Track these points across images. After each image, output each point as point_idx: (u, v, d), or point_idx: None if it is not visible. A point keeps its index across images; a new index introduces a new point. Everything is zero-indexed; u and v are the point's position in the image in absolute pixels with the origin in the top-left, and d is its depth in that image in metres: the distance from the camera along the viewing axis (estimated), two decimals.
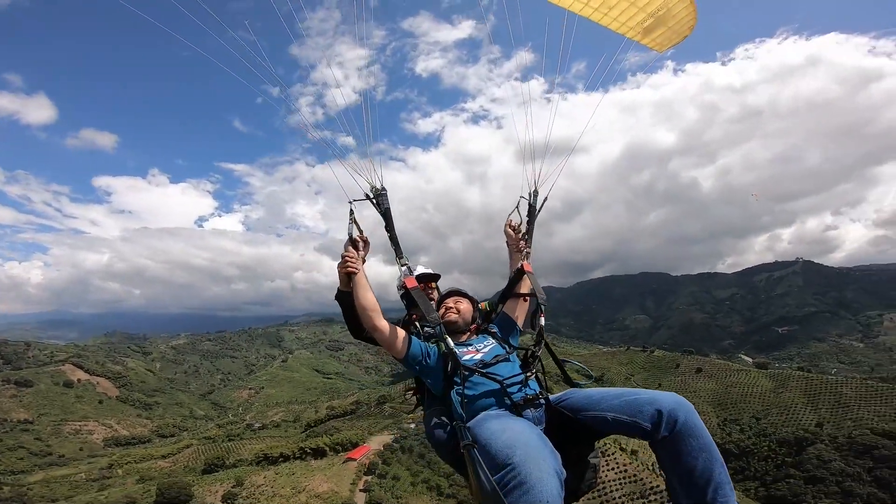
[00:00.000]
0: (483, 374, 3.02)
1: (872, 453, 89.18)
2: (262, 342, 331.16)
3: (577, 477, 2.86)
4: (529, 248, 3.97)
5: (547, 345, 3.48)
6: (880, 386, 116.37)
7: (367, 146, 3.71)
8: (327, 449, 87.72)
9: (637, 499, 69.89)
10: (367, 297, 3.22)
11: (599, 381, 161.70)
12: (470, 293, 3.87)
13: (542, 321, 3.52)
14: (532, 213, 4.11)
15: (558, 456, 2.37)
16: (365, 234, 3.51)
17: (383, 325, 3.18)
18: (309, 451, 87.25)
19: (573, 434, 2.87)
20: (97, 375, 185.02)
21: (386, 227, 3.53)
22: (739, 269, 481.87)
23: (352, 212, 3.46)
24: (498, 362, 3.15)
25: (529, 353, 3.34)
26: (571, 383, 3.29)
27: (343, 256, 3.36)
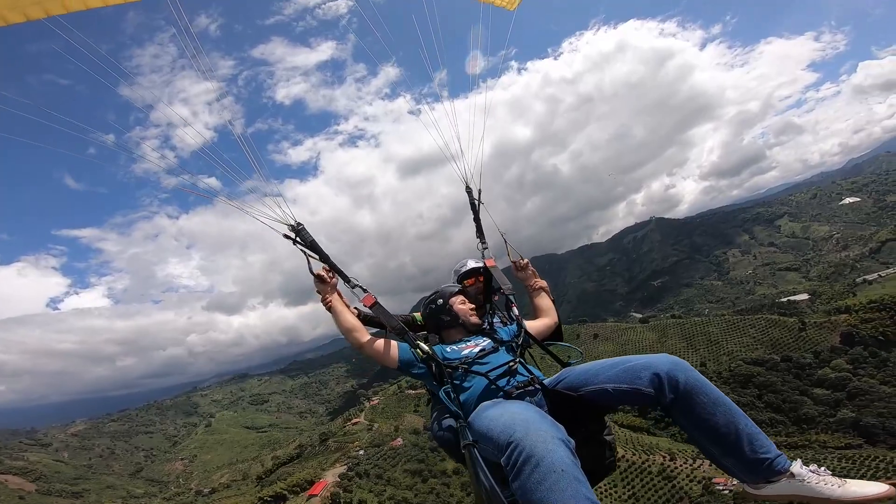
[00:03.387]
0: (468, 370, 3.06)
1: (753, 381, 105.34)
2: (175, 412, 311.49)
3: (594, 458, 2.83)
4: (485, 243, 4.25)
5: (527, 332, 3.49)
6: (735, 318, 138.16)
7: (267, 183, 3.69)
8: (286, 493, 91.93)
9: None
10: (346, 321, 3.34)
11: None
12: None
13: (516, 311, 3.68)
14: (473, 208, 4.38)
15: (561, 427, 2.27)
16: (324, 266, 3.53)
17: (366, 341, 3.27)
18: (269, 499, 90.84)
19: (578, 413, 2.84)
20: (2, 473, 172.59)
21: (321, 259, 3.58)
22: (610, 236, 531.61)
23: (302, 250, 3.53)
24: (485, 355, 3.17)
25: (513, 343, 3.35)
26: (563, 363, 3.28)
27: (320, 299, 3.49)
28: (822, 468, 2.38)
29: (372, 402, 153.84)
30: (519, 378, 3.01)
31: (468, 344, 3.37)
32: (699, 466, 79.14)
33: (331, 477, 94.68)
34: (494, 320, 4.01)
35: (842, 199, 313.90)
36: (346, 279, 3.55)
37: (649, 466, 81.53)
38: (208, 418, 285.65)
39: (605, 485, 79.19)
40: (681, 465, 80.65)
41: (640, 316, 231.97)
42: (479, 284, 4.23)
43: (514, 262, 4.19)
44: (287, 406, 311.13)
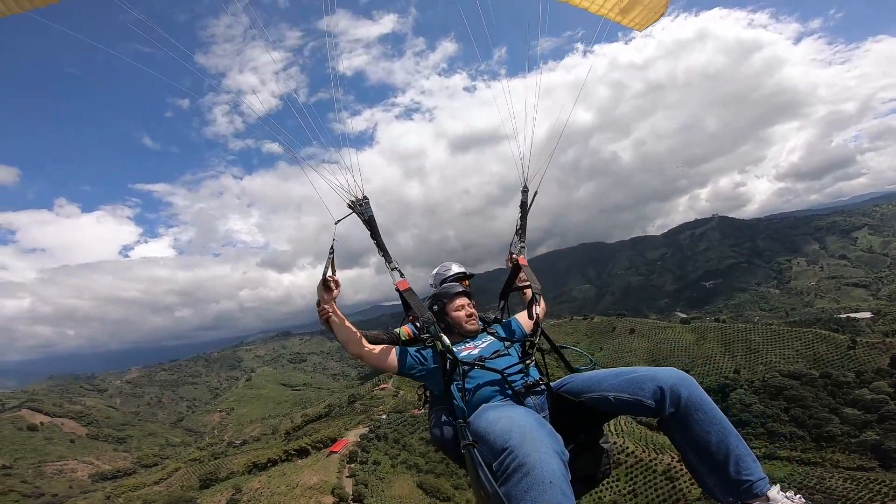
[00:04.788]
0: (482, 368, 3.08)
1: (784, 394, 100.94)
2: (221, 365, 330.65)
3: (592, 464, 2.96)
4: (524, 242, 4.12)
5: (544, 332, 3.53)
6: (783, 329, 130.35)
7: (343, 156, 3.66)
8: (310, 448, 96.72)
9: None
10: (346, 333, 3.29)
11: (549, 352, 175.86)
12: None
13: (537, 310, 3.64)
14: (524, 208, 4.23)
15: (559, 438, 2.34)
16: (336, 276, 3.39)
17: (366, 351, 3.29)
18: (293, 452, 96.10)
19: (579, 419, 2.92)
20: (59, 417, 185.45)
21: (371, 235, 3.58)
22: (666, 230, 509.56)
23: (332, 250, 3.37)
24: (497, 357, 3.22)
25: (528, 342, 3.39)
26: (572, 369, 3.34)
27: (318, 306, 3.36)
28: (798, 496, 2.36)
29: None
30: (528, 378, 3.10)
31: (467, 346, 3.43)
32: None
33: (352, 437, 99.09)
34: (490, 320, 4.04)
35: None
36: (389, 259, 3.55)
37: (656, 465, 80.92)
38: (249, 373, 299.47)
39: (607, 480, 79.62)
40: (686, 468, 79.74)
41: (684, 316, 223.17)
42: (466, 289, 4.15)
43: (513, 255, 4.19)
44: (322, 367, 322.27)
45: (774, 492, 2.38)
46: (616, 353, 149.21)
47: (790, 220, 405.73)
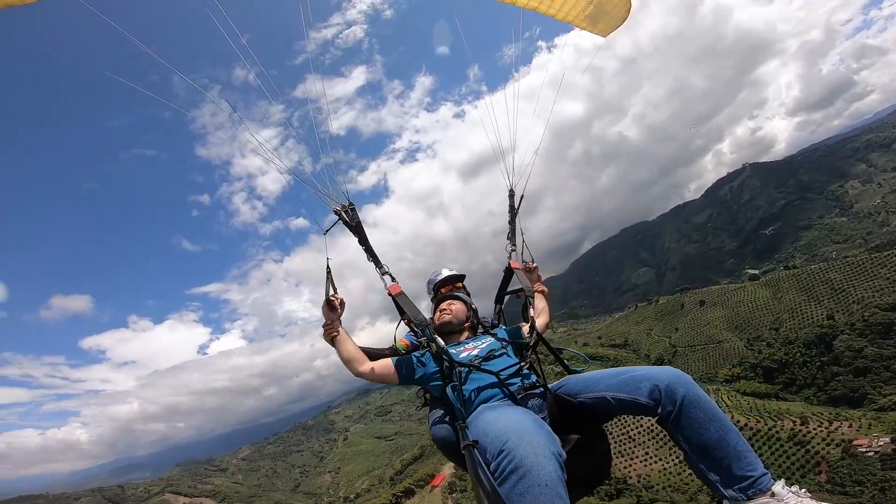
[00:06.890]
0: (478, 369, 3.05)
1: (895, 329, 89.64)
2: (317, 431, 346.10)
3: (588, 466, 2.86)
4: (514, 246, 4.15)
5: (539, 335, 3.48)
6: (863, 258, 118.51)
7: (333, 166, 3.64)
8: (413, 487, 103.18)
9: None
10: (348, 351, 3.36)
11: (624, 346, 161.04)
12: (464, 296, 3.97)
13: (532, 312, 3.61)
14: (512, 211, 4.28)
15: (557, 439, 2.33)
16: (339, 294, 3.45)
17: (366, 369, 3.31)
18: (401, 493, 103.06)
19: (578, 421, 2.84)
20: (197, 496, 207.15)
21: (359, 241, 3.58)
22: (704, 191, 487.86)
23: (329, 270, 3.40)
24: (494, 357, 3.19)
25: (525, 346, 3.36)
26: (569, 370, 3.27)
27: (323, 326, 3.46)
28: (803, 490, 2.28)
29: None
30: (526, 381, 3.03)
31: (467, 346, 3.43)
32: (836, 429, 71.82)
33: (448, 469, 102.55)
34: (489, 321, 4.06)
35: None
36: (379, 264, 3.60)
37: (777, 433, 76.22)
38: (344, 433, 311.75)
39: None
40: (815, 429, 74.00)
41: (754, 272, 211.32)
42: (457, 292, 4.20)
43: (526, 263, 4.20)
44: (408, 414, 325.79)
45: (779, 486, 2.30)
46: (693, 329, 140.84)
47: (824, 148, 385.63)
